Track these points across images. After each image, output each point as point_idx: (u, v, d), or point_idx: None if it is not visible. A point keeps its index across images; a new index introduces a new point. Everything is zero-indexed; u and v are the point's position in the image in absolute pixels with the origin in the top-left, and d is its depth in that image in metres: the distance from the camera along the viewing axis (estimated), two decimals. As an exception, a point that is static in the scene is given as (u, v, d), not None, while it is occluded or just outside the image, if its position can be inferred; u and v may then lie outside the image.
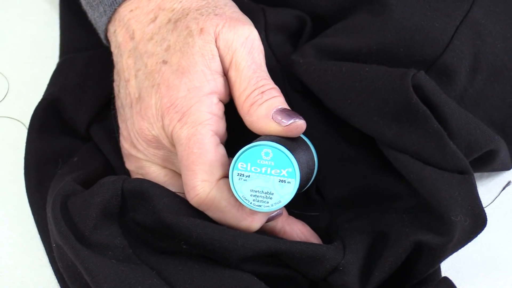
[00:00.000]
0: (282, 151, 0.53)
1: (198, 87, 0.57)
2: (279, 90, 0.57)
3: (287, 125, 0.55)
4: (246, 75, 0.57)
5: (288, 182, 0.54)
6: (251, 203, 0.54)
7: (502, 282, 0.62)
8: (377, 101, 0.58)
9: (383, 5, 0.62)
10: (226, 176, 0.56)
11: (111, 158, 0.65)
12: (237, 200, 0.55)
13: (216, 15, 0.58)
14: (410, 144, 0.58)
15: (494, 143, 0.60)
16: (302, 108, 0.63)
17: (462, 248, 0.58)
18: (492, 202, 0.65)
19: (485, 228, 0.57)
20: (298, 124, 0.56)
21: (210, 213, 0.56)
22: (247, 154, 0.54)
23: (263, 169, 0.54)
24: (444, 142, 0.57)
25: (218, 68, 0.58)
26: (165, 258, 0.57)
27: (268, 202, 0.54)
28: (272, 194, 0.54)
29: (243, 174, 0.54)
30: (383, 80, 0.58)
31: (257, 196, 0.54)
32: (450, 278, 0.58)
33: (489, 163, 0.62)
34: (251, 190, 0.54)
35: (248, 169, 0.54)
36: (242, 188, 0.54)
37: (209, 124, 0.56)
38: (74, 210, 0.57)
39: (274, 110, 0.56)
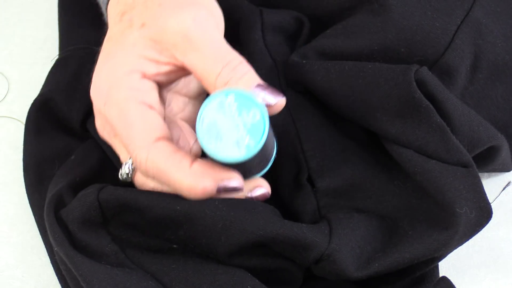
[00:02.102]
0: (265, 124, 0.52)
1: (118, 68, 0.56)
2: (247, 62, 0.56)
3: (274, 104, 0.54)
4: (209, 53, 0.55)
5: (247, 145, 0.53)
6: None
7: (502, 282, 0.62)
8: (380, 97, 0.59)
9: (383, 5, 0.62)
10: (161, 137, 0.55)
11: (107, 150, 0.65)
12: (174, 160, 0.54)
13: (160, 5, 0.57)
14: (413, 139, 0.58)
15: (497, 140, 0.60)
16: (297, 104, 0.63)
17: (462, 248, 0.58)
18: (492, 202, 0.65)
19: (486, 228, 0.57)
20: (283, 102, 0.55)
21: (160, 181, 0.56)
22: (243, 96, 0.52)
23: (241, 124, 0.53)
24: (447, 136, 0.57)
25: (151, 55, 0.56)
26: (158, 258, 0.57)
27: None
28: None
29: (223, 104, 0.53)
30: (386, 76, 0.58)
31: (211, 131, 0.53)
32: (450, 278, 0.58)
33: (490, 161, 0.63)
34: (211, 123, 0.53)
35: (232, 105, 0.53)
36: (208, 114, 0.53)
37: (131, 97, 0.56)
38: (61, 224, 0.57)
39: (254, 86, 0.54)
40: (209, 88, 0.55)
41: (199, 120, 0.53)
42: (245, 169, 0.56)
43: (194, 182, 0.54)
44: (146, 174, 0.56)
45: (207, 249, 0.56)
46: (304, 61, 0.62)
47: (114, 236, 0.57)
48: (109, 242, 0.57)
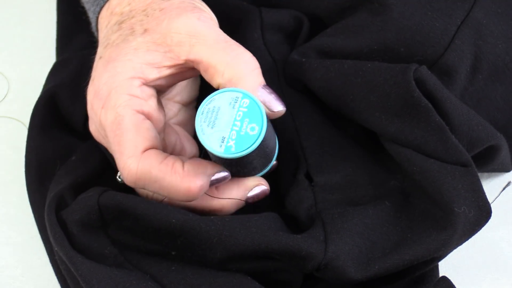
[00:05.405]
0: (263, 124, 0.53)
1: (120, 73, 0.56)
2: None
3: (275, 112, 0.55)
4: (218, 44, 0.55)
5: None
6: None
7: (502, 282, 0.62)
8: (379, 96, 0.59)
9: (383, 4, 0.62)
10: (151, 147, 0.56)
11: (106, 152, 0.65)
12: (167, 166, 0.54)
13: (161, 9, 0.58)
14: (412, 138, 0.58)
15: (496, 139, 0.60)
16: (296, 102, 0.63)
17: (462, 248, 0.58)
18: (492, 202, 0.65)
19: (485, 228, 0.57)
20: (283, 111, 0.55)
21: (150, 189, 0.56)
22: (256, 106, 0.53)
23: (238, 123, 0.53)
24: (446, 135, 0.57)
25: (153, 60, 0.56)
26: (157, 260, 0.57)
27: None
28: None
29: (235, 103, 0.53)
30: (385, 75, 0.58)
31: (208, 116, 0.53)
32: (450, 278, 0.57)
33: (489, 160, 0.62)
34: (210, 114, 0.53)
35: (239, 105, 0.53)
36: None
37: (128, 104, 0.56)
38: (61, 224, 0.58)
39: (260, 87, 0.55)
40: (216, 77, 0.55)
41: (208, 98, 0.53)
42: (244, 164, 0.56)
43: (190, 182, 0.55)
44: (135, 185, 0.56)
45: (204, 259, 0.56)
46: (303, 60, 0.63)
47: (113, 239, 0.58)
48: (108, 244, 0.57)
